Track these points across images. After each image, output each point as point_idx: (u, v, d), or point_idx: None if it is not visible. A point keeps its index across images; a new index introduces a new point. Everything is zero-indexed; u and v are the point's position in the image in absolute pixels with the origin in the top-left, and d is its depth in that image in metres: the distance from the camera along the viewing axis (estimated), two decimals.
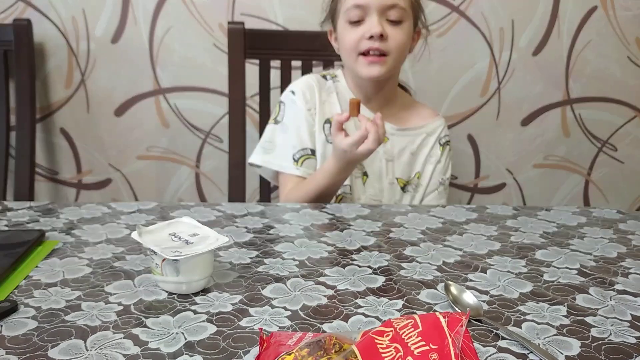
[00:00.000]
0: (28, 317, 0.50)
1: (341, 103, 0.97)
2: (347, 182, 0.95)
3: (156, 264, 0.55)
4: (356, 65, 0.91)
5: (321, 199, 0.89)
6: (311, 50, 1.11)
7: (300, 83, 0.99)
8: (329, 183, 0.88)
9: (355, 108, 0.84)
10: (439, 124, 1.02)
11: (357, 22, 0.90)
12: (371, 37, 0.88)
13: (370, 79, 0.92)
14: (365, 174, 0.97)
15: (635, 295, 0.58)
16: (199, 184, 1.46)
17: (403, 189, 0.99)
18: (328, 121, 0.96)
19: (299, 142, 0.96)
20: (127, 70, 1.36)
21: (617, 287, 0.59)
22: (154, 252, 0.54)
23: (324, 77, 1.00)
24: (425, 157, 0.99)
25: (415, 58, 1.05)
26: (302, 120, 0.96)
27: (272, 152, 0.97)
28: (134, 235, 0.57)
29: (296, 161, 0.95)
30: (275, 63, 1.18)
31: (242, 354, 0.45)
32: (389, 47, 0.89)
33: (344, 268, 0.62)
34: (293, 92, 0.98)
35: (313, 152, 0.96)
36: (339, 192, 0.95)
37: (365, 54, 0.89)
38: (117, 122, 1.39)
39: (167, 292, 0.55)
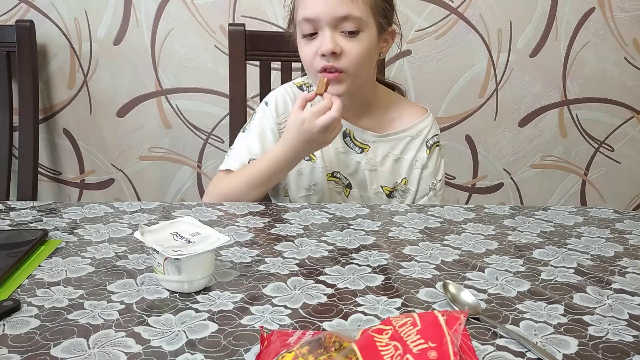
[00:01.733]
0: (31, 316, 0.50)
1: None
2: (327, 199, 0.92)
3: (158, 263, 0.55)
4: (317, 81, 0.85)
5: (258, 189, 0.84)
6: None
7: (276, 95, 0.95)
8: (274, 168, 0.82)
9: (323, 86, 0.80)
10: (425, 124, 0.94)
11: (310, 35, 0.83)
12: (324, 55, 0.81)
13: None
14: (348, 185, 0.94)
15: (632, 294, 0.58)
16: (200, 184, 1.47)
17: (389, 195, 0.96)
18: None
19: (261, 150, 0.90)
20: (129, 72, 1.37)
21: (614, 286, 0.60)
22: (156, 252, 0.55)
23: (300, 87, 0.95)
24: (410, 162, 0.94)
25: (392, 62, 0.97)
26: (269, 131, 0.92)
27: (229, 157, 0.93)
28: (136, 234, 0.57)
29: None
30: (275, 64, 1.19)
31: (243, 352, 0.46)
32: (344, 63, 0.81)
33: (344, 267, 0.62)
34: (266, 104, 0.94)
35: None
36: None
37: (323, 70, 0.83)
38: (120, 123, 1.40)
39: (169, 290, 0.56)
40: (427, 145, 0.94)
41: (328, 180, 0.93)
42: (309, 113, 0.78)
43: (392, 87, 1.01)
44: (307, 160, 0.93)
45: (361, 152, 0.93)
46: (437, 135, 0.96)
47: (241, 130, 0.96)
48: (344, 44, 0.81)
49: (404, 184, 0.95)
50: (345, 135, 0.93)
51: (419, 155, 0.94)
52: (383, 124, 0.94)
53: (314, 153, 0.92)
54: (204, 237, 0.58)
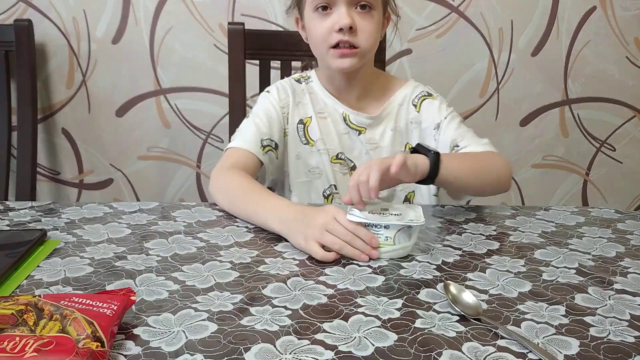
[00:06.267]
0: None
1: (313, 103, 0.95)
2: (332, 181, 0.94)
3: (386, 237, 0.64)
4: (327, 57, 0.87)
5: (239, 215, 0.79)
6: (310, 50, 1.10)
7: (276, 84, 0.98)
8: (261, 224, 0.74)
9: None
10: (407, 90, 0.96)
11: (324, 10, 0.85)
12: (340, 30, 0.83)
13: (342, 71, 0.88)
14: (353, 167, 0.95)
15: (634, 294, 0.58)
16: (199, 184, 1.46)
17: None
18: (301, 122, 0.95)
19: (268, 130, 0.92)
20: (128, 71, 1.36)
21: (615, 286, 0.60)
22: (386, 227, 0.64)
23: (298, 80, 0.98)
24: (406, 127, 0.95)
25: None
26: (274, 113, 0.93)
27: (236, 137, 0.92)
28: (351, 217, 0.64)
29: (263, 147, 0.90)
30: (275, 63, 1.19)
31: (243, 351, 0.46)
32: (359, 40, 0.85)
33: (344, 267, 0.62)
34: (268, 92, 0.97)
35: (277, 146, 0.92)
36: (328, 192, 0.94)
37: (336, 46, 0.85)
38: (118, 123, 1.40)
39: (385, 260, 0.65)
40: (413, 104, 0.95)
41: (333, 162, 0.94)
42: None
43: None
44: (305, 143, 0.94)
45: (359, 135, 0.95)
46: (422, 91, 0.96)
47: (245, 117, 0.97)
48: (358, 20, 0.85)
49: (408, 148, 0.96)
50: (343, 118, 0.95)
51: (410, 117, 0.95)
52: (373, 103, 0.96)
53: (312, 137, 0.94)
54: (396, 210, 0.67)
